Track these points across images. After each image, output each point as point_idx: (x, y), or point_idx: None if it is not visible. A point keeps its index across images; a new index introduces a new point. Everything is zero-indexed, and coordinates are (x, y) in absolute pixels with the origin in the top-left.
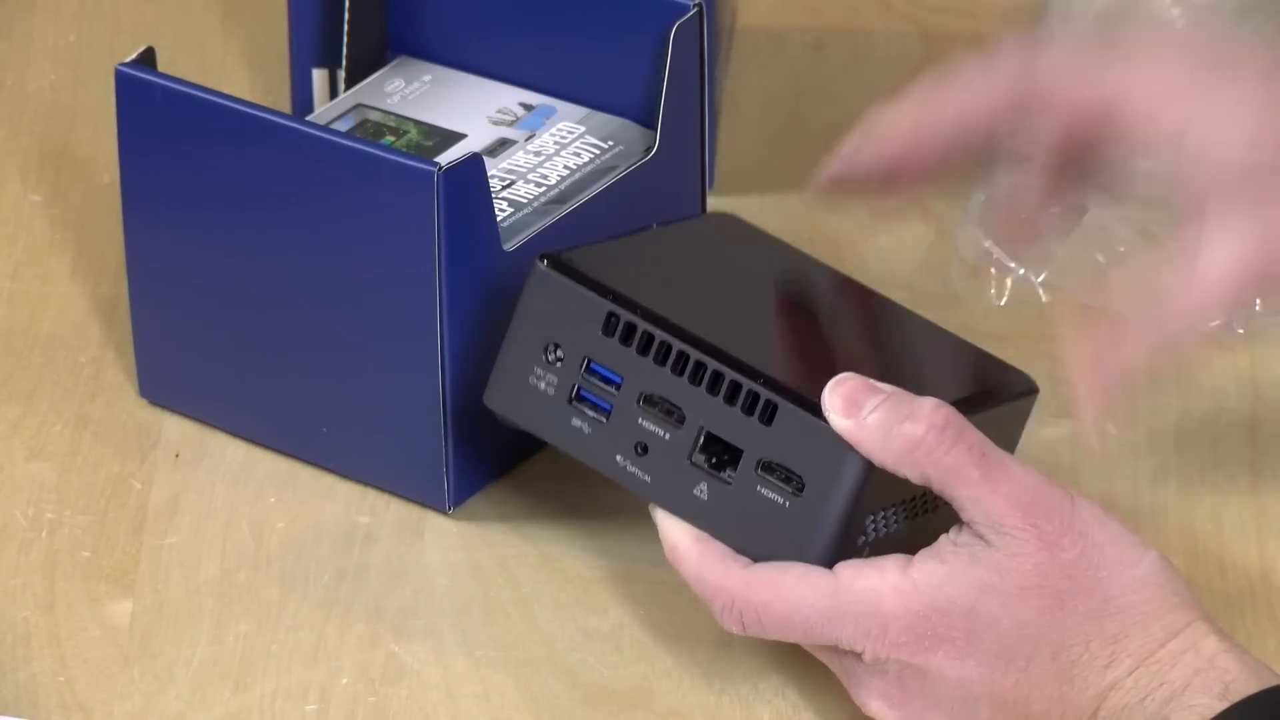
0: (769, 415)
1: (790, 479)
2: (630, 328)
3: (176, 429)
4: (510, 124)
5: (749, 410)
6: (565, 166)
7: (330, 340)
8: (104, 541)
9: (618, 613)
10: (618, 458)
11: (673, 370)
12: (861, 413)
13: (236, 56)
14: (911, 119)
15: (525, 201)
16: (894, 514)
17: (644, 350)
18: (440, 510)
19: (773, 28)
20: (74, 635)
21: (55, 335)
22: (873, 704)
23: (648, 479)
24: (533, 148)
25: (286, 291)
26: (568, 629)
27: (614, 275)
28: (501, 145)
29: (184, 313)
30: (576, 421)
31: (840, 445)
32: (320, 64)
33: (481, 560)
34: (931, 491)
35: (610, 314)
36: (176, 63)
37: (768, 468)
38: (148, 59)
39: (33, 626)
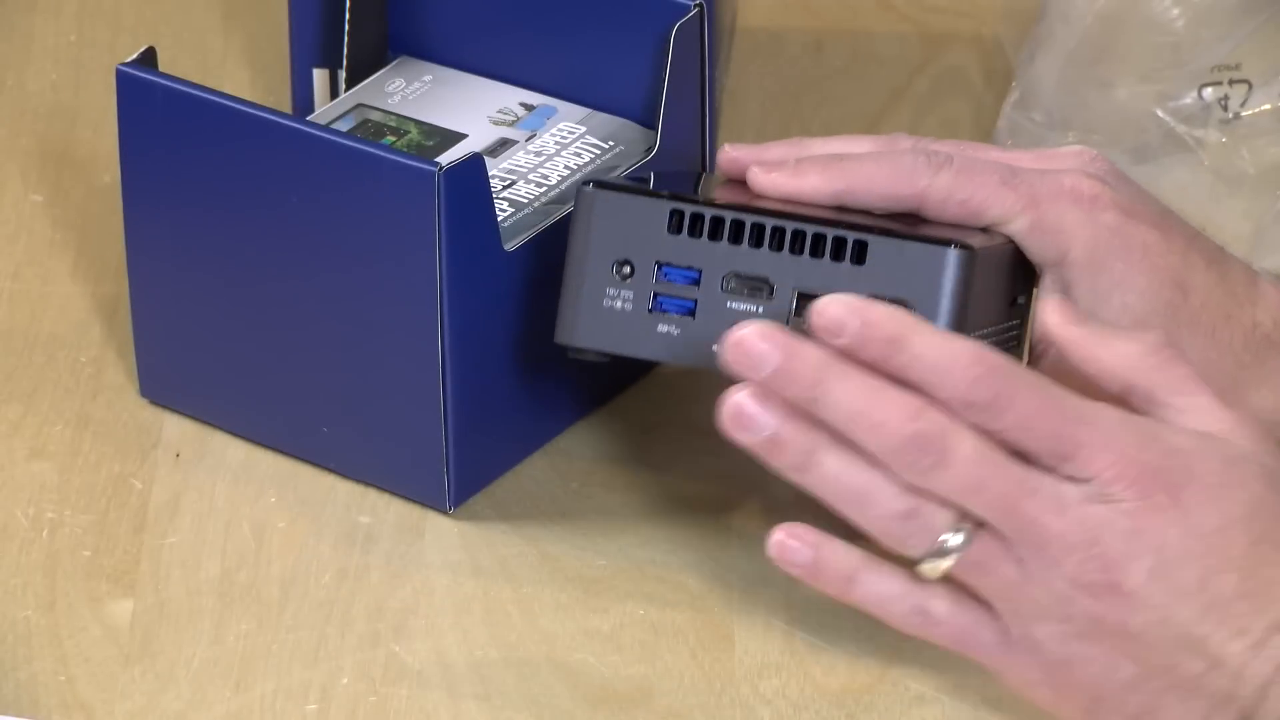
0: (860, 254)
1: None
2: (697, 217)
3: (177, 429)
4: (511, 124)
5: (838, 256)
6: (566, 166)
7: (331, 340)
8: (105, 541)
9: (618, 613)
10: (714, 347)
11: (751, 244)
12: (1082, 323)
13: (237, 56)
14: (813, 185)
15: (526, 201)
16: (1000, 335)
17: (716, 235)
18: (441, 510)
19: (773, 28)
20: (75, 635)
21: (56, 335)
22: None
23: None
24: (533, 148)
25: (287, 291)
26: (568, 629)
27: (656, 184)
28: (502, 145)
29: (185, 312)
30: (663, 327)
31: (937, 252)
32: (321, 64)
33: (481, 560)
34: (1017, 328)
35: (674, 210)
36: (177, 62)
37: None
38: (148, 59)
39: (33, 626)
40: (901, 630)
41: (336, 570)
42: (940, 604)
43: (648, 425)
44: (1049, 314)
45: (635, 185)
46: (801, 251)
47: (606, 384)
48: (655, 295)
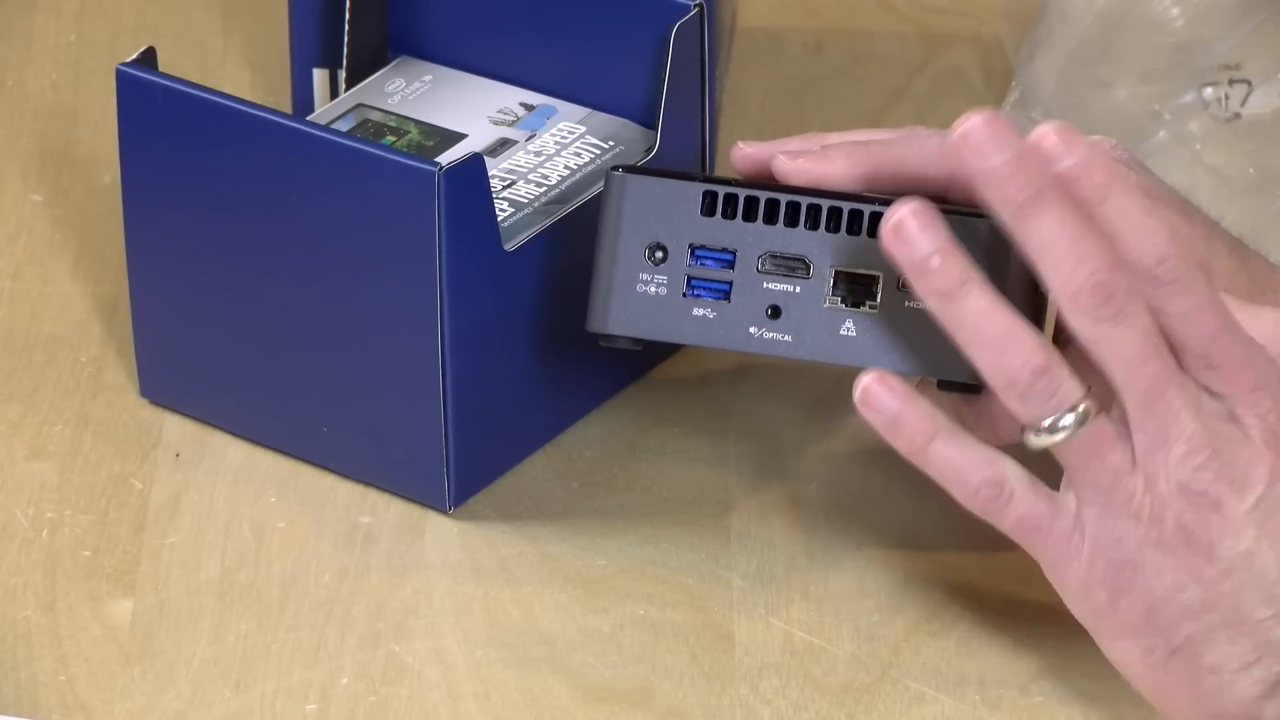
0: None
1: None
2: (731, 198)
3: (177, 429)
4: (511, 124)
5: (875, 232)
6: (566, 166)
7: (331, 340)
8: (105, 541)
9: (618, 613)
10: (751, 329)
11: (786, 223)
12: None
13: (237, 56)
14: (843, 169)
15: (526, 201)
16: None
17: (750, 215)
18: (441, 510)
19: (773, 28)
20: (75, 635)
21: (56, 335)
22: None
23: (788, 339)
24: (533, 148)
25: (287, 291)
26: (568, 629)
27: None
28: (502, 145)
29: (185, 312)
30: (698, 310)
31: (975, 224)
32: (321, 64)
33: (481, 560)
34: (1040, 316)
35: (707, 192)
36: (177, 62)
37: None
38: (148, 59)
39: (33, 626)
40: (966, 503)
41: (336, 570)
42: (1018, 480)
43: (648, 424)
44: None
45: (665, 169)
46: (838, 229)
47: (606, 383)
48: (689, 279)
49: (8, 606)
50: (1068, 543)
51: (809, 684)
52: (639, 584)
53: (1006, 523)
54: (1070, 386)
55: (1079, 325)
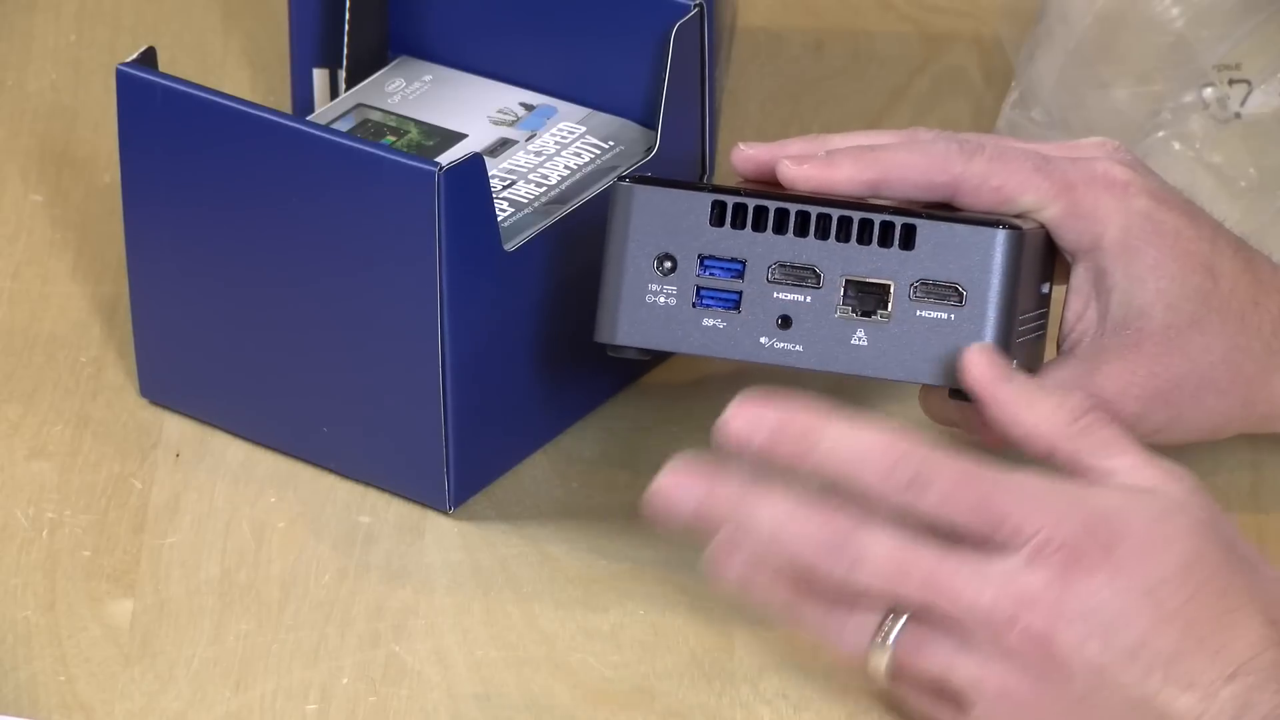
0: (908, 238)
1: (947, 293)
2: (740, 208)
3: (177, 429)
4: (511, 124)
5: (886, 241)
6: (566, 166)
7: (331, 340)
8: (105, 541)
9: (618, 613)
10: (762, 339)
11: (796, 233)
12: (1008, 380)
13: (237, 56)
14: (847, 174)
15: (526, 201)
16: (1030, 323)
17: (760, 225)
18: (441, 510)
19: (773, 28)
20: (75, 635)
21: (56, 335)
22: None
23: (799, 348)
24: (533, 148)
25: (287, 291)
26: (568, 629)
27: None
28: (502, 145)
29: (184, 312)
30: (708, 321)
31: (986, 233)
32: (321, 64)
33: (481, 560)
34: (1044, 317)
35: (715, 203)
36: (177, 62)
37: (921, 291)
38: (148, 59)
39: (33, 626)
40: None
41: (336, 570)
42: (918, 698)
43: (647, 425)
44: (974, 368)
45: (673, 179)
46: (848, 238)
47: (607, 384)
48: (699, 289)
49: (8, 606)
50: None
51: (809, 684)
52: (639, 584)
53: None
54: (869, 617)
55: (841, 583)
